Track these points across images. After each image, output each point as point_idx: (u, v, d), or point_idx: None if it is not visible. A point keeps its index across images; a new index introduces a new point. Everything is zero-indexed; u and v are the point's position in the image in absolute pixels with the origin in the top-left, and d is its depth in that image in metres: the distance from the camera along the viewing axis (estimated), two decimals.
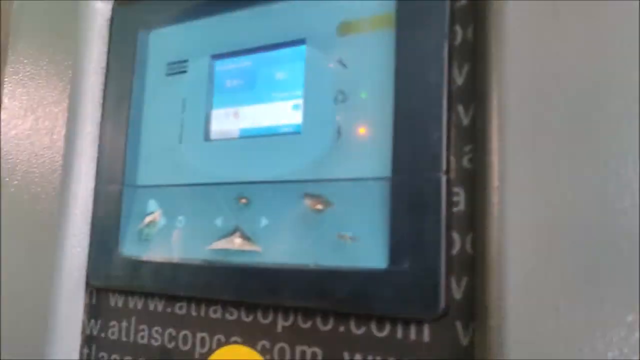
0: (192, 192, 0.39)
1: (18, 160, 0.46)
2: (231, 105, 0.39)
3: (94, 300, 0.43)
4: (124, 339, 0.41)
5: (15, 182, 0.46)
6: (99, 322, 0.42)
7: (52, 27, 0.47)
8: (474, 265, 0.30)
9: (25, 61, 0.48)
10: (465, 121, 0.31)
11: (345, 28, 0.35)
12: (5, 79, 0.49)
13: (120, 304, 0.42)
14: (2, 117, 0.48)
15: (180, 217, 0.39)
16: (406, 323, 0.31)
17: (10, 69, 0.49)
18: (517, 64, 0.29)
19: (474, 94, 0.31)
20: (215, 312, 0.37)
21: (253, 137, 0.38)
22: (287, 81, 0.37)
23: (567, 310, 0.27)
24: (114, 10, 0.46)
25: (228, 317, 0.37)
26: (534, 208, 0.28)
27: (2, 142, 0.48)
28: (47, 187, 0.44)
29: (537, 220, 0.28)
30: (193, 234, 0.38)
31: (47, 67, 0.46)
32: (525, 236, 0.28)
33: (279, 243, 0.35)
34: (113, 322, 0.42)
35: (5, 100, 0.48)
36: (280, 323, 0.35)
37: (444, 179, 0.31)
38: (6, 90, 0.48)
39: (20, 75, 0.48)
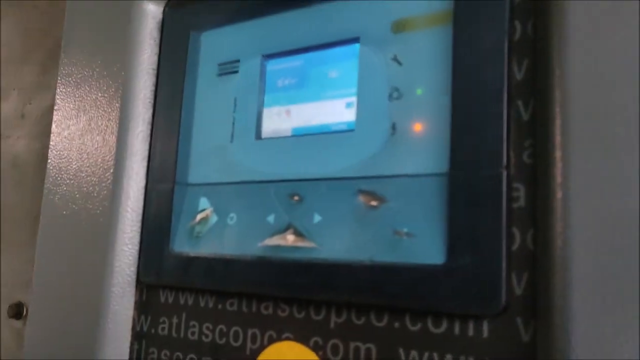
0: (243, 190, 0.39)
1: (70, 159, 0.47)
2: (283, 104, 0.40)
3: (144, 297, 0.43)
4: (174, 334, 0.41)
5: (68, 180, 0.47)
6: (149, 318, 0.43)
7: (104, 29, 0.48)
8: (535, 261, 0.30)
9: (78, 63, 0.49)
10: (525, 116, 0.31)
11: (400, 25, 0.35)
12: (59, 81, 0.50)
13: (170, 300, 0.42)
14: (55, 118, 0.49)
15: (232, 215, 0.39)
16: (464, 319, 0.31)
17: (64, 71, 0.50)
18: (579, 58, 0.29)
19: (534, 89, 0.31)
20: (266, 308, 0.37)
21: (305, 135, 0.38)
22: (340, 79, 0.38)
23: (633, 307, 0.27)
24: (165, 12, 0.47)
25: (280, 313, 0.37)
26: (598, 204, 0.28)
27: (55, 142, 0.49)
28: (99, 186, 0.45)
29: (602, 216, 0.28)
30: (245, 231, 0.38)
31: (100, 68, 0.48)
32: (590, 232, 0.28)
33: (332, 239, 0.35)
34: (163, 318, 0.42)
35: (58, 101, 0.49)
36: (333, 319, 0.35)
37: (504, 174, 0.30)
38: (59, 91, 0.50)
39: (73, 76, 0.49)
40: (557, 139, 0.29)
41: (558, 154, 0.29)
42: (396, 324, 0.33)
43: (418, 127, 0.34)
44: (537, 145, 0.30)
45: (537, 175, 0.30)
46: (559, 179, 0.29)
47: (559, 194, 0.28)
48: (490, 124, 0.31)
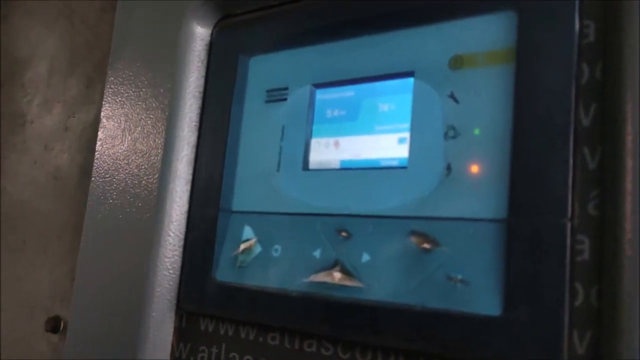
0: (289, 221, 0.39)
1: (114, 180, 0.47)
2: (332, 135, 0.39)
3: (184, 324, 0.43)
4: None
5: (111, 200, 0.47)
6: (189, 345, 0.42)
7: (152, 49, 0.48)
8: (600, 319, 0.28)
9: (125, 82, 0.49)
10: (592, 165, 0.30)
11: (458, 62, 0.34)
12: (105, 99, 0.50)
13: (210, 329, 0.41)
14: (100, 136, 0.49)
15: (277, 246, 0.39)
16: None
17: (110, 90, 0.50)
18: None
19: (602, 136, 0.29)
20: (310, 346, 0.37)
21: (354, 169, 0.37)
22: (393, 113, 0.37)
23: None
24: (213, 35, 0.46)
25: (324, 352, 0.36)
26: None
27: (99, 160, 0.49)
28: (143, 208, 0.45)
29: None
30: (290, 264, 0.38)
31: (146, 88, 0.47)
32: None
33: (382, 280, 0.34)
34: (203, 347, 0.41)
35: (104, 120, 0.49)
36: None
37: (568, 225, 0.29)
38: (105, 109, 0.50)
39: (119, 96, 0.49)
40: (628, 191, 0.27)
41: (628, 207, 0.27)
42: None
43: (475, 168, 0.33)
44: (604, 196, 0.29)
45: (604, 228, 0.29)
46: (628, 235, 0.27)
47: (628, 252, 0.27)
48: (554, 171, 0.30)
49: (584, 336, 0.28)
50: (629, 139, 0.28)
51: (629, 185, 0.27)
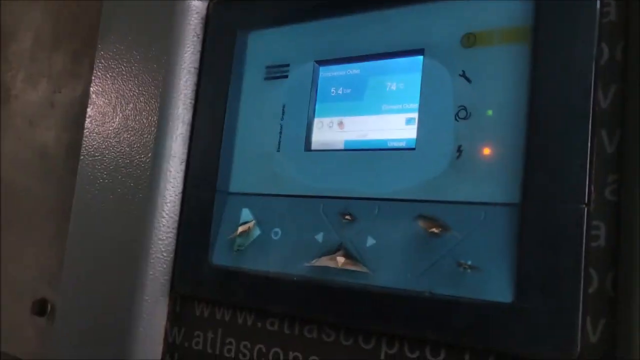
0: (290, 204, 0.37)
1: (105, 159, 0.45)
2: (336, 114, 0.38)
3: (178, 308, 0.42)
4: (209, 350, 0.39)
5: (101, 180, 0.45)
6: (183, 330, 0.41)
7: (145, 22, 0.46)
8: (614, 307, 0.27)
9: (116, 57, 0.47)
10: (610, 148, 0.29)
11: (471, 39, 0.33)
12: (94, 74, 0.48)
13: (206, 313, 0.40)
14: (90, 113, 0.47)
15: (277, 229, 0.37)
16: None
17: (100, 64, 0.48)
18: None
19: (621, 118, 0.28)
20: (310, 331, 0.36)
21: (360, 150, 0.36)
22: (401, 93, 0.35)
23: None
24: (210, 8, 0.44)
25: (325, 338, 0.35)
26: None
27: (88, 138, 0.47)
28: (135, 189, 0.43)
29: None
30: (291, 248, 0.36)
31: (139, 64, 0.45)
32: None
33: (388, 266, 0.33)
34: (198, 332, 0.40)
35: (93, 96, 0.47)
36: (384, 349, 0.33)
37: (584, 210, 0.28)
38: (94, 85, 0.48)
39: (109, 71, 0.47)
40: None
41: None
42: None
43: (487, 151, 0.31)
44: (622, 181, 0.28)
45: (621, 214, 0.28)
46: None
47: None
48: (571, 155, 0.29)
49: (598, 324, 0.28)
50: None
51: None
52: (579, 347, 0.27)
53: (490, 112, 0.32)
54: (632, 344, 0.26)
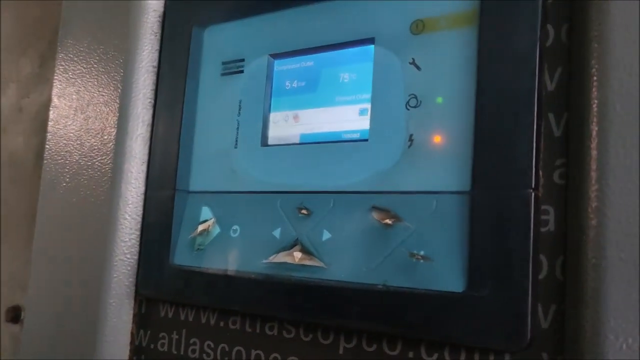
0: (248, 200, 0.37)
1: (67, 162, 0.45)
2: (291, 108, 0.37)
3: (143, 310, 0.41)
4: (174, 351, 0.39)
5: (64, 183, 0.45)
6: (149, 332, 0.41)
7: (103, 23, 0.46)
8: (564, 292, 0.27)
9: (75, 58, 0.47)
10: (557, 132, 0.28)
11: (420, 26, 0.32)
12: (55, 77, 0.47)
13: (170, 314, 0.40)
14: (52, 117, 0.47)
15: (235, 227, 0.37)
16: (485, 352, 0.29)
17: (60, 67, 0.47)
18: (622, 67, 0.26)
19: (568, 101, 0.28)
20: (271, 329, 0.35)
21: (315, 144, 0.35)
22: (353, 83, 0.35)
23: None
24: (166, 5, 0.44)
25: (285, 334, 0.35)
26: (638, 232, 0.25)
27: (51, 141, 0.46)
28: (97, 191, 0.42)
29: None
30: (249, 245, 0.36)
31: (98, 65, 0.45)
32: (627, 264, 0.25)
33: (342, 259, 0.32)
34: (163, 334, 0.40)
35: (55, 99, 0.47)
36: (343, 344, 0.33)
37: (532, 195, 0.27)
38: (56, 88, 0.47)
39: (70, 73, 0.47)
40: (593, 157, 0.26)
41: (593, 175, 0.26)
42: (410, 354, 0.30)
43: (437, 139, 0.31)
44: (569, 164, 0.27)
45: (569, 197, 0.27)
46: (594, 203, 0.26)
47: (593, 221, 0.26)
48: (518, 139, 0.28)
49: (548, 310, 0.27)
50: (594, 104, 0.26)
51: (593, 151, 0.26)
52: (529, 334, 0.27)
53: (440, 100, 0.31)
54: (580, 330, 0.26)
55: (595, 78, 0.26)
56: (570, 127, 0.28)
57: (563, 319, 0.27)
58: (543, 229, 0.28)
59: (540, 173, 0.28)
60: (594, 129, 0.26)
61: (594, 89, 0.26)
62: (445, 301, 0.29)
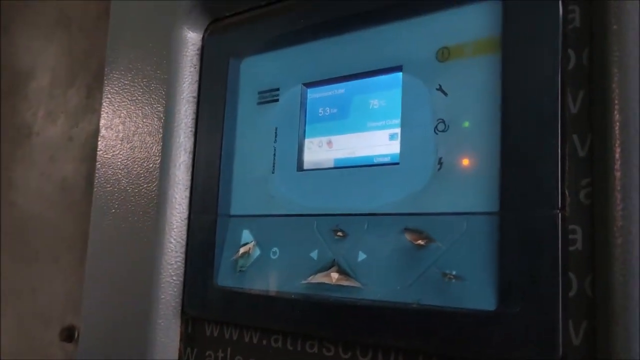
0: (285, 223, 0.39)
1: (115, 189, 0.48)
2: (324, 134, 0.39)
3: (189, 329, 0.43)
4: None
5: (114, 209, 0.47)
6: (195, 350, 0.43)
7: (146, 57, 0.48)
8: (594, 309, 0.28)
9: (121, 92, 0.49)
10: (582, 152, 0.29)
11: (445, 53, 0.34)
12: (102, 108, 0.50)
13: (215, 333, 0.42)
14: (100, 147, 0.50)
15: (275, 249, 0.39)
16: None
17: (107, 99, 0.50)
18: None
19: (591, 122, 0.29)
20: (311, 347, 0.37)
21: (348, 168, 0.37)
22: (383, 109, 0.36)
23: None
24: (205, 39, 0.46)
25: (325, 352, 0.36)
26: None
27: (100, 169, 0.49)
28: (144, 216, 0.45)
29: None
30: (288, 267, 0.38)
31: (141, 97, 0.48)
32: None
33: (378, 279, 0.34)
34: (209, 352, 0.42)
35: (102, 130, 0.50)
36: None
37: (559, 215, 0.28)
38: (103, 120, 0.50)
39: (115, 105, 0.50)
40: (617, 178, 0.27)
41: (618, 195, 0.27)
42: None
43: (466, 162, 0.32)
44: (595, 184, 0.28)
45: (595, 217, 0.28)
46: (619, 222, 0.27)
47: (619, 240, 0.26)
48: (543, 161, 0.29)
49: (580, 327, 0.28)
50: (616, 125, 0.27)
51: (617, 172, 0.27)
52: (560, 350, 0.28)
53: (466, 124, 0.32)
54: (612, 345, 0.26)
55: (616, 101, 0.27)
56: (594, 148, 0.29)
57: (595, 335, 0.28)
58: (571, 248, 0.29)
59: (567, 193, 0.29)
60: (617, 150, 0.27)
61: (615, 112, 0.27)
62: (478, 319, 0.30)
